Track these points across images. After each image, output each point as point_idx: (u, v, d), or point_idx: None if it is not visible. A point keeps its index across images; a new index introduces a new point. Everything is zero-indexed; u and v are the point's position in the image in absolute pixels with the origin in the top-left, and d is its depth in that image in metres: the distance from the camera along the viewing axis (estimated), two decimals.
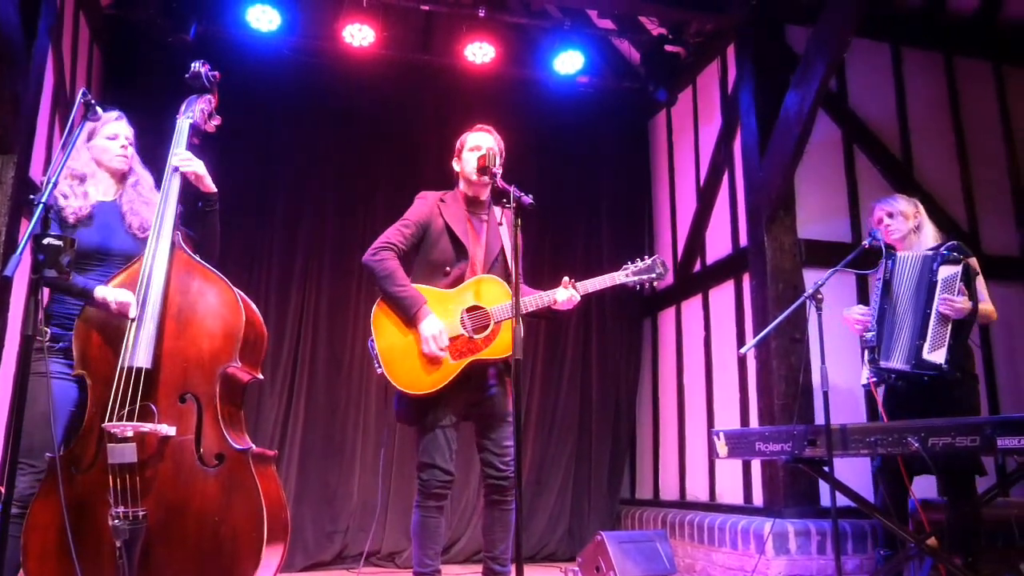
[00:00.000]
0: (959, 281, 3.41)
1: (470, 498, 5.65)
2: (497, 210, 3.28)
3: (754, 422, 4.90)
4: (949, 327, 3.41)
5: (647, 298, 6.45)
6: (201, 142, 2.97)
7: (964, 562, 3.14)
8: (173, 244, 2.69)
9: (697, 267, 5.88)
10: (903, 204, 3.74)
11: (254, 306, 2.76)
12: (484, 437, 3.12)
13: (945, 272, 3.44)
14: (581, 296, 3.11)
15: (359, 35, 5.38)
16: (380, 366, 3.04)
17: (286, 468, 5.32)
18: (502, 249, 3.21)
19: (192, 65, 3.00)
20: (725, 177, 5.59)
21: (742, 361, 5.11)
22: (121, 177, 2.90)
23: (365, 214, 5.85)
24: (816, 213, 5.02)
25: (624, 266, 3.22)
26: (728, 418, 5.25)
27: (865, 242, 3.64)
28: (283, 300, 5.61)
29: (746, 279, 5.15)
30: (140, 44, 5.40)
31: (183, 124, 2.90)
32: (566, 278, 3.12)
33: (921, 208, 3.77)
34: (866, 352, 3.54)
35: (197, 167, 2.84)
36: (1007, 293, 5.26)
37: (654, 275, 3.20)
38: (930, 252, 3.55)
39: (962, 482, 3.33)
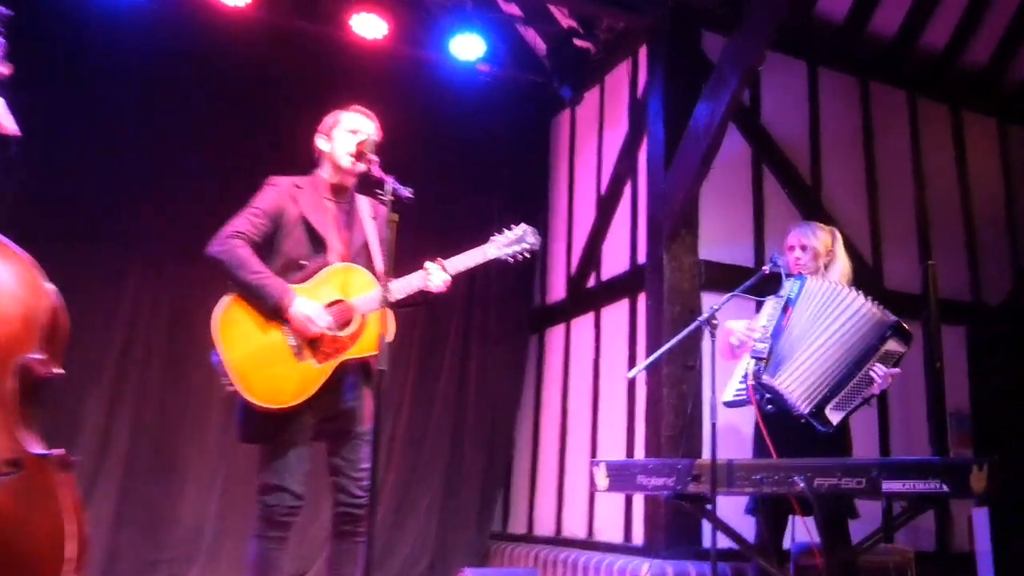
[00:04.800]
0: (894, 362, 3.43)
1: (323, 523, 5.47)
2: (366, 201, 3.19)
3: (640, 454, 4.97)
4: (860, 397, 3.43)
5: (535, 313, 6.47)
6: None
7: None
8: None
9: (591, 282, 5.95)
10: (820, 238, 3.73)
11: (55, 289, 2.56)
12: (338, 457, 3.01)
13: (894, 345, 3.42)
14: (453, 276, 3.09)
15: None
16: (230, 383, 2.85)
17: (105, 483, 5.01)
18: (365, 243, 3.12)
19: None
20: (627, 187, 5.69)
21: (631, 388, 5.18)
22: None
23: (223, 194, 5.55)
24: (719, 233, 5.16)
25: (492, 238, 3.21)
26: (613, 448, 5.31)
27: (765, 268, 3.67)
28: (116, 283, 5.31)
29: (642, 299, 5.24)
30: None
31: None
32: (430, 263, 3.06)
33: (839, 242, 3.77)
34: (752, 363, 3.56)
35: None
36: None
37: (526, 244, 3.20)
38: (878, 313, 3.47)
39: (834, 525, 3.42)
